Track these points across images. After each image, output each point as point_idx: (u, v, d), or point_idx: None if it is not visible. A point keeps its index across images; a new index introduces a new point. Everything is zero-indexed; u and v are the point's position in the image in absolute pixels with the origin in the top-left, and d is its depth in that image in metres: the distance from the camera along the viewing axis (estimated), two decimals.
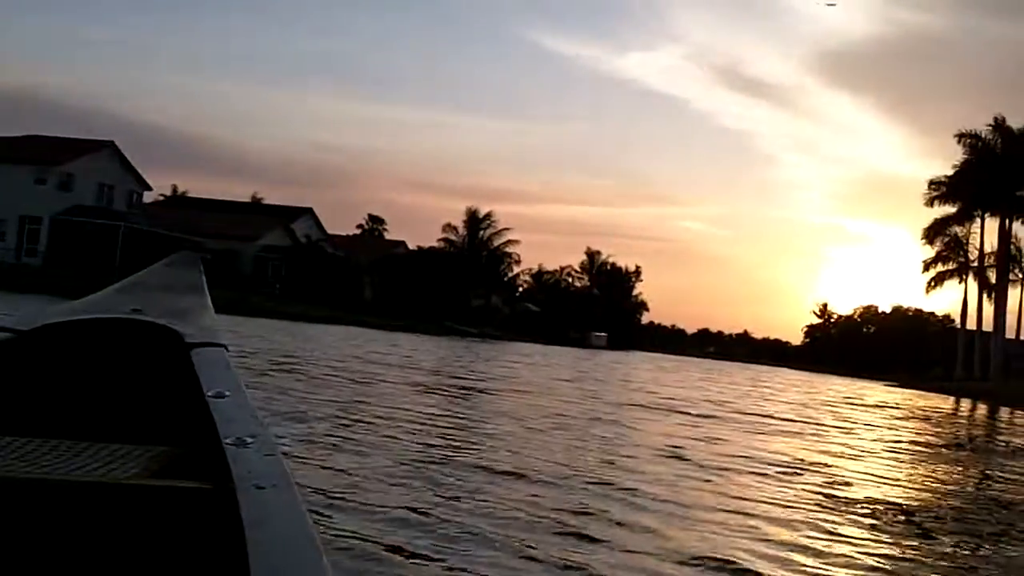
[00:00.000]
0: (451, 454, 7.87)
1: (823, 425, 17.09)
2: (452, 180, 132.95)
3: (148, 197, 66.12)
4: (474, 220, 78.53)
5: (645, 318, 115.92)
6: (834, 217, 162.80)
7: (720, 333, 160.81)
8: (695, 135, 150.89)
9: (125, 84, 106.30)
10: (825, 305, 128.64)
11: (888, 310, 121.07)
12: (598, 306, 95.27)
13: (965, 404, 37.78)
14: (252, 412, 1.90)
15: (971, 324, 60.00)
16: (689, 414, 15.54)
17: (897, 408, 28.69)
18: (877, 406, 28.58)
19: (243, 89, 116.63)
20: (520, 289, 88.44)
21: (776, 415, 18.22)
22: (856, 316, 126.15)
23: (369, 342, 30.48)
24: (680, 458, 9.28)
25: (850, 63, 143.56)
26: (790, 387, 37.54)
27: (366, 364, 18.99)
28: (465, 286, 72.42)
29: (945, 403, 37.21)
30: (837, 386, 47.01)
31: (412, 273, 69.14)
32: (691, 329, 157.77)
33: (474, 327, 66.15)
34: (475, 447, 8.50)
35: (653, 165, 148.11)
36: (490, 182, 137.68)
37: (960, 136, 57.93)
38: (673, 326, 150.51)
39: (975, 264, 59.37)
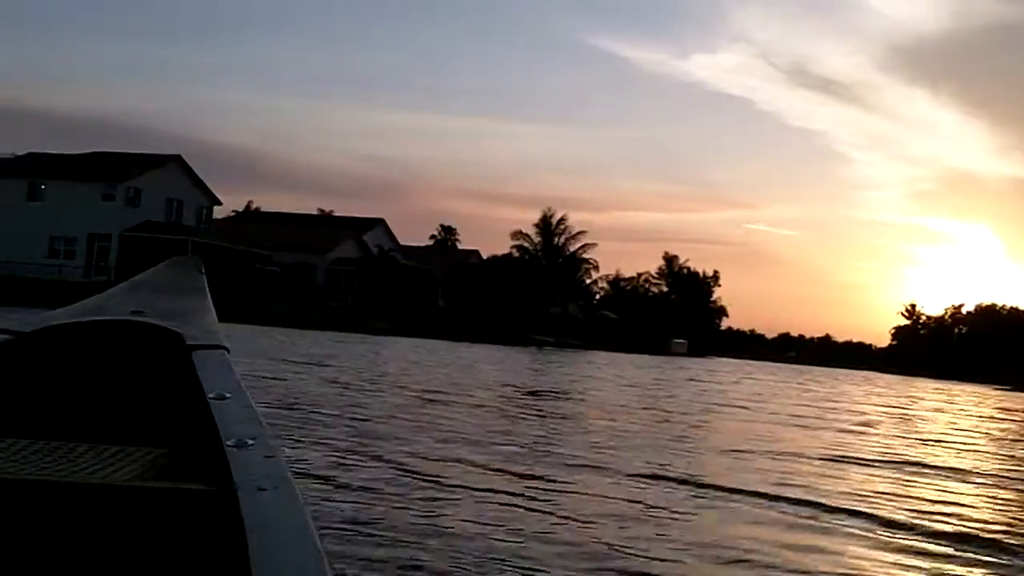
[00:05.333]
0: None
1: None
2: (522, 189, 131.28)
3: (220, 213, 65.23)
4: (547, 225, 76.17)
5: (724, 323, 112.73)
6: (913, 216, 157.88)
7: (801, 337, 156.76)
8: (764, 136, 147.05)
9: (190, 104, 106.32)
10: (913, 306, 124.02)
11: (975, 310, 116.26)
12: (677, 312, 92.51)
13: None
14: (253, 414, 1.87)
15: None
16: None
17: None
18: None
19: (308, 105, 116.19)
20: (597, 296, 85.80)
21: None
22: (946, 317, 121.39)
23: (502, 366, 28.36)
24: None
25: (923, 58, 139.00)
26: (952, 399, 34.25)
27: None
28: (541, 294, 70.10)
29: None
30: (979, 395, 43.65)
31: (486, 282, 67.03)
32: (770, 334, 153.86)
33: (551, 336, 63.86)
34: None
35: (723, 168, 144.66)
36: (559, 191, 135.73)
37: None
38: (752, 331, 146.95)
39: None
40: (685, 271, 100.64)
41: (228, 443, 1.67)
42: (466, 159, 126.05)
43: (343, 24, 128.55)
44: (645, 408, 14.84)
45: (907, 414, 21.32)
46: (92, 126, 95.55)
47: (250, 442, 1.68)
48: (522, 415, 11.64)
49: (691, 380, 29.14)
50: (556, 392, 16.93)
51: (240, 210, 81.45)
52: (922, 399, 32.24)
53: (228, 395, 1.98)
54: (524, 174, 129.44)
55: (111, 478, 1.72)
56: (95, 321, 2.52)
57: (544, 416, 11.73)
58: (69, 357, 2.47)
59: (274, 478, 1.52)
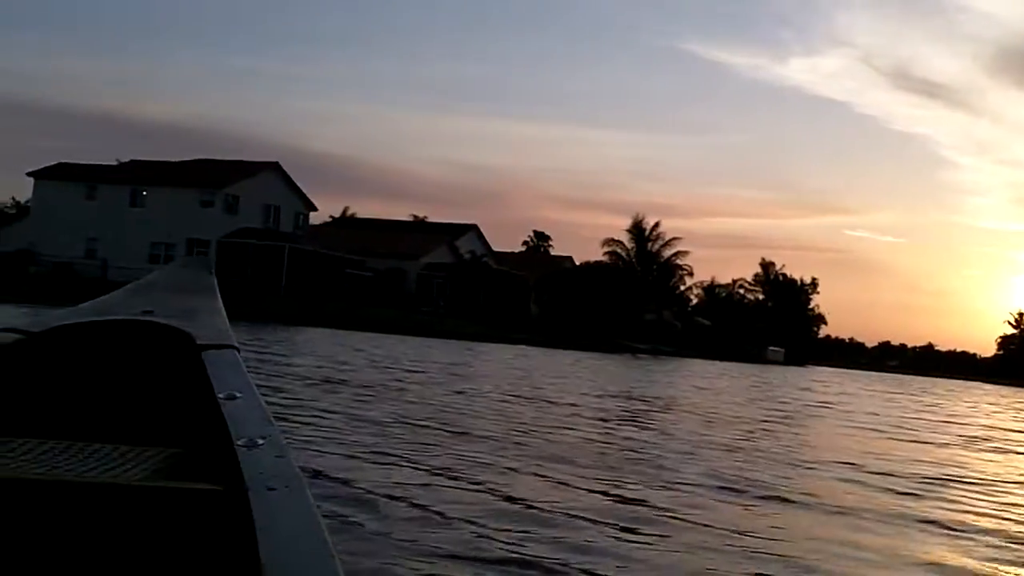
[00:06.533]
0: None
1: None
2: (616, 196, 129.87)
3: (316, 219, 65.87)
4: (640, 231, 75.09)
5: (822, 331, 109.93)
6: (1021, 222, 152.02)
7: (903, 346, 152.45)
8: (866, 141, 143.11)
9: (289, 113, 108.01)
10: (1021, 314, 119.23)
11: None
12: (773, 319, 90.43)
13: None
14: (263, 413, 1.87)
15: None
16: None
17: None
18: None
19: (405, 114, 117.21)
20: (691, 303, 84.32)
21: None
22: None
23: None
24: None
25: None
26: None
27: None
28: (635, 301, 69.09)
29: None
30: None
31: (579, 288, 66.31)
32: (870, 342, 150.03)
33: (645, 343, 62.85)
34: None
35: (822, 173, 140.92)
36: (654, 197, 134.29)
37: None
38: (851, 339, 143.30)
39: None
40: (782, 278, 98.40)
41: (239, 443, 1.66)
42: (560, 166, 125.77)
43: (439, 34, 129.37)
44: (784, 424, 13.99)
45: None
46: (193, 135, 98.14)
47: (260, 442, 1.66)
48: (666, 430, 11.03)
49: (805, 391, 28.05)
50: (689, 406, 16.20)
51: (336, 216, 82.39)
52: None
53: (238, 395, 1.96)
54: (619, 181, 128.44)
55: (121, 478, 1.71)
56: (105, 321, 2.50)
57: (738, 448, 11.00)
58: (79, 357, 2.45)
59: (285, 478, 1.50)
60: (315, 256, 52.99)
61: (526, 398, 13.85)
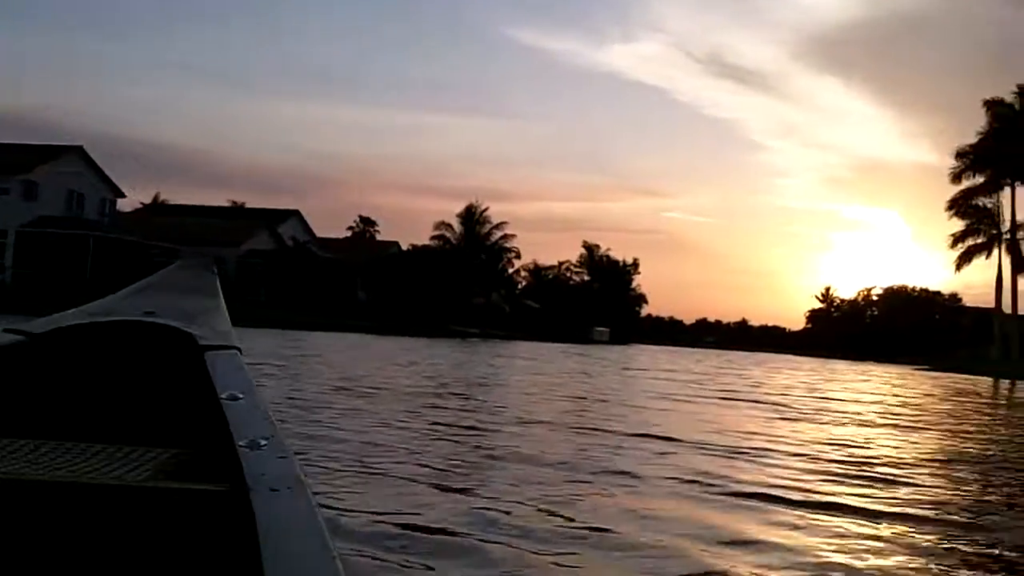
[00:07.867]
0: None
1: None
2: (440, 181, 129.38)
3: (127, 206, 62.28)
4: (470, 215, 74.80)
5: (644, 311, 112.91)
6: (826, 202, 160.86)
7: (719, 322, 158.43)
8: (680, 125, 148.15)
9: (96, 97, 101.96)
10: (828, 289, 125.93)
11: (884, 292, 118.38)
12: (598, 300, 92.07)
13: None
14: (265, 414, 1.88)
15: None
16: None
17: None
18: None
19: (222, 98, 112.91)
20: (520, 286, 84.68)
21: None
22: (859, 299, 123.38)
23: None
24: None
25: (835, 47, 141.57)
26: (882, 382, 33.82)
27: None
28: (464, 284, 68.61)
29: None
30: (909, 375, 43.37)
31: (408, 273, 65.27)
32: (688, 320, 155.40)
33: (475, 327, 62.51)
34: None
35: (641, 157, 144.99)
36: (478, 182, 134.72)
37: (988, 103, 54.69)
38: (670, 318, 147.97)
39: (1007, 236, 55.76)
40: (605, 260, 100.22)
41: (241, 444, 1.66)
42: (385, 152, 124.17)
43: (257, 16, 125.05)
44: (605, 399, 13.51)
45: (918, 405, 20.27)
46: None
47: (263, 442, 1.67)
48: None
49: (642, 370, 28.04)
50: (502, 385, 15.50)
51: (147, 203, 78.17)
52: (873, 379, 31.75)
53: (241, 396, 1.96)
54: (443, 166, 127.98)
55: (124, 478, 1.72)
56: (107, 322, 2.52)
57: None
58: (81, 358, 2.45)
59: (287, 479, 1.52)
60: (123, 245, 49.89)
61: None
